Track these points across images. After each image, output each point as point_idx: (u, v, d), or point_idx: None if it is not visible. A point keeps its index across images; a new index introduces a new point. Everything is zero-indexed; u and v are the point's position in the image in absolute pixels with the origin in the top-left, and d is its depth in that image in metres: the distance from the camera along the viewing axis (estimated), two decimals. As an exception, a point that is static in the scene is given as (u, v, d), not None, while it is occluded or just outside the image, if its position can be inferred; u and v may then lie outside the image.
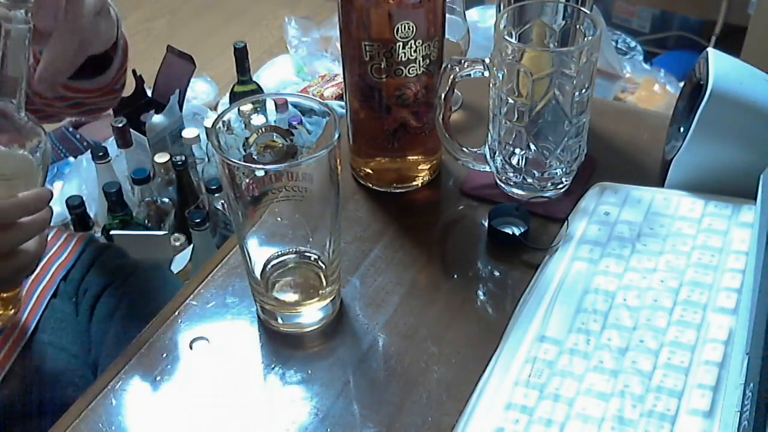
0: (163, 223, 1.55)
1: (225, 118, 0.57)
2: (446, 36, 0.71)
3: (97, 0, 0.66)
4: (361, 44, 0.67)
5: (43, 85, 0.65)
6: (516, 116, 0.67)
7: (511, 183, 0.72)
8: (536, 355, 0.58)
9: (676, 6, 2.14)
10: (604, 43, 1.88)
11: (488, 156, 0.72)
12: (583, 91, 0.66)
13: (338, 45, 1.04)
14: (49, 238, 0.92)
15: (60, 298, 0.89)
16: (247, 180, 0.55)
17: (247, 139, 0.58)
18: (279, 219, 0.59)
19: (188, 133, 1.56)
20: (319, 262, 0.61)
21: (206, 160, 1.59)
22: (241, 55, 1.77)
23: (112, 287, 0.90)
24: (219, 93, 2.08)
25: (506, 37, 0.64)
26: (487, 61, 0.67)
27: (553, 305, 0.61)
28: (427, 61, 0.68)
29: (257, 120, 0.60)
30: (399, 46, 0.66)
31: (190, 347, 0.62)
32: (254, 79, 1.91)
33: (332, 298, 0.63)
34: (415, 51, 0.67)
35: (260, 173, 0.55)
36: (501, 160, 0.71)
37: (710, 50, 0.71)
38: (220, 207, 1.50)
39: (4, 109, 0.61)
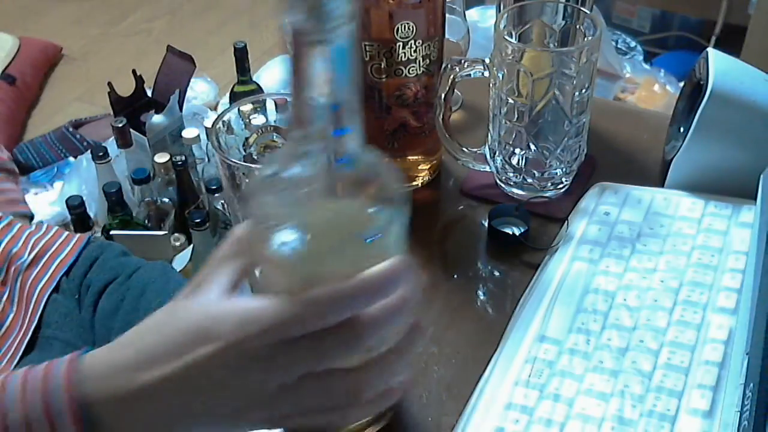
0: (163, 223, 1.55)
1: (225, 118, 0.57)
2: (446, 36, 0.71)
3: None
4: (361, 44, 0.67)
5: None
6: (516, 116, 0.67)
7: (511, 183, 0.72)
8: (536, 355, 0.58)
9: (676, 6, 2.14)
10: (604, 43, 1.88)
11: (488, 156, 0.72)
12: (583, 91, 0.66)
13: (338, 45, 1.03)
14: (50, 236, 0.92)
15: (62, 294, 0.89)
16: (247, 180, 0.55)
17: (247, 139, 0.58)
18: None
19: (188, 133, 1.56)
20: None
21: (206, 160, 1.59)
22: (241, 55, 1.76)
23: (115, 283, 0.91)
24: (219, 93, 2.07)
25: (506, 37, 0.64)
26: (487, 61, 0.67)
27: (553, 305, 0.61)
28: (427, 61, 0.68)
29: (257, 120, 0.60)
30: (399, 46, 0.66)
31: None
32: (254, 79, 1.90)
33: (332, 298, 0.62)
34: (415, 51, 0.67)
35: (260, 173, 0.55)
36: (501, 160, 0.71)
37: (710, 50, 0.71)
38: (220, 207, 1.50)
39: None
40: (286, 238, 0.42)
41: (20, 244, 0.90)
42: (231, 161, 0.54)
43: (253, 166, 0.56)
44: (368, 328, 0.42)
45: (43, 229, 0.94)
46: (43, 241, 0.91)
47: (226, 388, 0.42)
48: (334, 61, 0.39)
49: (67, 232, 0.96)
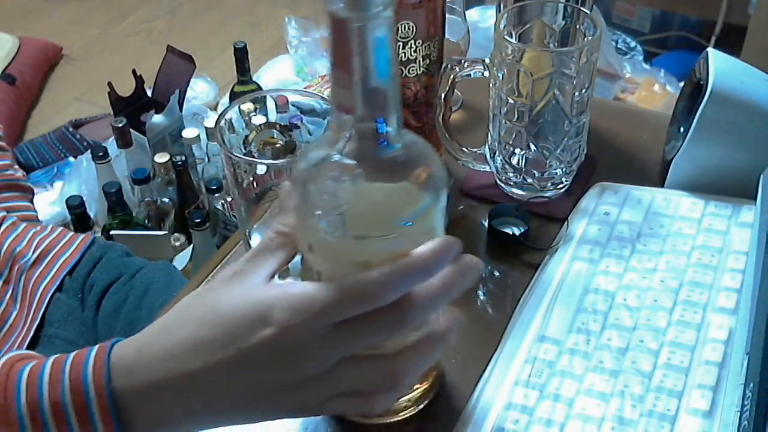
0: (163, 223, 1.55)
1: (227, 117, 0.57)
2: (446, 36, 0.71)
3: None
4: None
5: None
6: (516, 116, 0.67)
7: (511, 183, 0.72)
8: (536, 355, 0.58)
9: (676, 6, 2.14)
10: (604, 43, 1.88)
11: (488, 156, 0.72)
12: (583, 91, 0.66)
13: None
14: (54, 236, 0.93)
15: (66, 293, 0.90)
16: (250, 177, 0.55)
17: (246, 137, 0.58)
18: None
19: (188, 133, 1.56)
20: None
21: (206, 160, 1.59)
22: (241, 55, 1.77)
23: (118, 283, 0.91)
24: (219, 93, 2.07)
25: (506, 37, 0.64)
26: (487, 61, 0.67)
27: (553, 305, 0.61)
28: (427, 61, 0.68)
29: (257, 119, 0.60)
30: (399, 46, 0.66)
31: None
32: (254, 79, 1.91)
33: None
34: (415, 51, 0.67)
35: (262, 170, 0.55)
36: (501, 160, 0.71)
37: (710, 50, 0.71)
38: (220, 207, 1.50)
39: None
40: (331, 225, 0.43)
41: (24, 243, 0.90)
42: (236, 156, 0.54)
43: (254, 160, 0.56)
44: (415, 308, 0.42)
45: (48, 228, 0.94)
46: (48, 241, 0.92)
47: (274, 373, 0.42)
48: (374, 46, 0.40)
49: (71, 233, 0.97)
